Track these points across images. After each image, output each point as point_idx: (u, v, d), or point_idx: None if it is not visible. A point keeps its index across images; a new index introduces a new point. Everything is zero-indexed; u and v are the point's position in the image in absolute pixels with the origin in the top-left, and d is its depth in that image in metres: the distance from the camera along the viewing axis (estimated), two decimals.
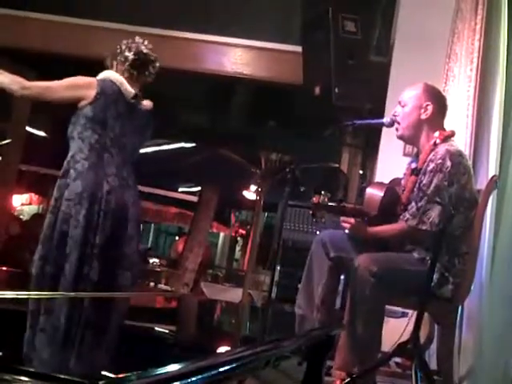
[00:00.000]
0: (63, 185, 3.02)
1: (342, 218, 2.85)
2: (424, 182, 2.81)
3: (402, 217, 2.88)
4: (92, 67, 3.18)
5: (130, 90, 3.18)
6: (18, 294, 1.82)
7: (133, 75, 3.23)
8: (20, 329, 1.38)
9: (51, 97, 3.10)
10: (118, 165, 3.10)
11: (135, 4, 5.39)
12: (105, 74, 3.20)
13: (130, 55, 3.21)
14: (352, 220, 2.84)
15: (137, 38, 3.29)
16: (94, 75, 3.20)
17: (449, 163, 2.77)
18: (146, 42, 3.30)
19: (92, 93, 3.07)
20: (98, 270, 2.90)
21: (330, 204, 2.76)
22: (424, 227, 2.75)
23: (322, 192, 2.75)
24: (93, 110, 3.07)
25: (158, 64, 3.31)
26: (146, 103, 3.30)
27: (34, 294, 1.91)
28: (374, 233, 2.87)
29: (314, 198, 2.75)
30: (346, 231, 2.88)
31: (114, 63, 3.27)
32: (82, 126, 3.08)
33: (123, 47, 3.24)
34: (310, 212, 2.86)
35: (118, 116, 3.12)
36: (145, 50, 3.26)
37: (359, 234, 2.88)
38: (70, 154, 3.08)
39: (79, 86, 3.11)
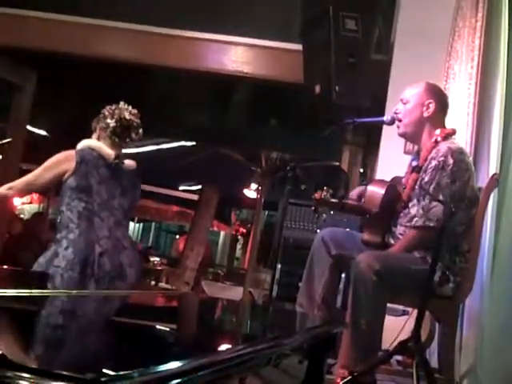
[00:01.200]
0: (53, 253, 3.05)
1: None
2: (426, 179, 2.82)
3: (403, 214, 2.87)
4: (93, 66, 3.17)
5: (109, 152, 3.20)
6: (18, 292, 1.82)
7: (114, 141, 3.26)
8: (21, 326, 1.38)
9: (37, 185, 3.21)
10: (110, 227, 3.12)
11: (136, 3, 5.38)
12: (84, 143, 3.24)
13: (112, 122, 3.23)
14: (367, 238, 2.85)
15: (121, 104, 3.30)
16: (95, 75, 3.20)
17: (451, 161, 2.78)
18: (130, 108, 3.30)
19: (72, 164, 3.12)
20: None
21: (331, 200, 2.76)
22: (432, 224, 2.75)
23: (324, 188, 2.75)
24: (75, 179, 3.12)
25: (141, 130, 3.31)
26: (129, 163, 3.30)
27: (35, 292, 1.92)
28: (397, 249, 2.87)
29: (316, 194, 2.75)
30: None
31: (97, 128, 3.30)
32: (68, 198, 3.12)
33: (106, 113, 3.27)
34: (312, 208, 2.85)
35: (102, 180, 3.16)
36: (127, 117, 3.26)
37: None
38: (61, 227, 3.11)
39: (59, 163, 3.16)
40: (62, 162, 3.16)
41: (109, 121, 3.24)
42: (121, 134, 3.25)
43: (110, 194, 3.17)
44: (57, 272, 2.97)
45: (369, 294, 2.65)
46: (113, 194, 3.18)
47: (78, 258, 2.99)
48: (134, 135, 3.30)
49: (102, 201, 3.13)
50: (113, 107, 3.28)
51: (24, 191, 3.27)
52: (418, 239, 2.85)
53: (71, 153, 3.17)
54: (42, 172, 3.16)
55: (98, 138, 3.28)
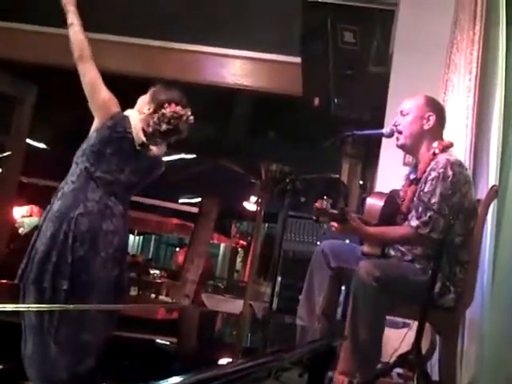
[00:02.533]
0: (50, 204, 3.06)
1: (331, 223, 2.83)
2: (425, 189, 2.82)
3: (407, 223, 2.87)
4: None
5: (141, 137, 3.08)
6: (17, 307, 1.82)
7: (154, 135, 3.13)
8: (20, 341, 1.38)
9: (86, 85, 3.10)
10: (102, 194, 3.04)
11: (134, 16, 5.41)
12: (128, 113, 3.12)
13: (164, 126, 3.10)
14: (335, 224, 2.81)
15: (187, 111, 3.15)
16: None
17: (450, 172, 2.79)
18: (190, 117, 3.16)
19: (106, 118, 3.03)
20: (68, 289, 2.88)
21: (332, 211, 2.75)
22: (435, 236, 2.75)
23: (325, 197, 2.75)
24: (97, 139, 3.03)
25: (184, 135, 3.19)
26: (156, 150, 3.19)
27: (33, 307, 1.91)
28: (374, 233, 2.85)
29: (317, 203, 2.74)
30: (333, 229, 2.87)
31: (147, 109, 3.14)
32: (83, 151, 3.06)
33: (167, 113, 3.10)
34: (313, 217, 2.83)
35: (118, 153, 3.06)
36: (181, 127, 3.13)
37: (351, 231, 2.86)
38: (66, 177, 3.10)
39: (110, 103, 3.07)
40: (113, 103, 3.06)
41: (164, 125, 3.09)
42: (165, 135, 3.14)
43: (119, 167, 3.07)
44: (43, 222, 3.00)
45: (369, 300, 2.65)
46: (122, 169, 3.08)
47: (60, 212, 2.96)
48: (175, 137, 3.19)
49: (108, 170, 3.04)
50: (180, 111, 3.12)
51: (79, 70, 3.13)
52: (413, 241, 2.85)
53: (115, 111, 3.05)
54: (94, 85, 3.07)
55: (142, 120, 3.11)
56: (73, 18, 3.15)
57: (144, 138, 3.09)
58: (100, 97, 3.05)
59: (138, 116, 3.12)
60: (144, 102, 3.17)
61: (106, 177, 3.04)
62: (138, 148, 3.09)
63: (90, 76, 3.09)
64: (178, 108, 3.11)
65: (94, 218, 2.99)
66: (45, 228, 3.00)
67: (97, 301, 2.92)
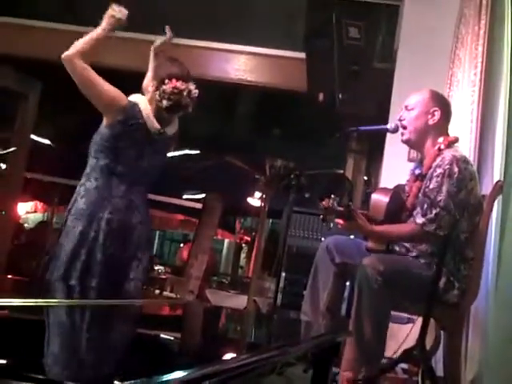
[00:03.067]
0: (73, 200, 3.03)
1: (336, 220, 2.82)
2: (431, 186, 2.81)
3: (412, 219, 2.87)
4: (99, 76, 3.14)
5: (155, 125, 3.06)
6: (24, 302, 1.82)
7: (160, 109, 3.08)
8: (25, 336, 1.38)
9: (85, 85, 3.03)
10: (126, 188, 3.05)
11: (139, 12, 5.40)
12: (136, 100, 3.09)
13: (166, 103, 3.05)
14: (341, 221, 2.80)
15: (191, 85, 3.10)
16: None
17: (456, 169, 2.78)
18: (194, 90, 3.10)
19: (118, 112, 3.01)
20: (96, 287, 2.92)
21: (339, 209, 2.74)
22: (441, 233, 2.74)
23: (332, 196, 2.74)
24: (111, 132, 3.01)
25: (190, 110, 3.14)
26: (169, 130, 3.17)
27: (40, 302, 1.92)
28: (380, 231, 2.85)
29: (324, 202, 2.73)
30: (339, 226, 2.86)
31: (152, 89, 3.10)
32: (99, 146, 3.03)
33: (168, 89, 3.05)
34: (321, 216, 2.83)
35: (135, 143, 3.05)
36: (184, 102, 3.08)
37: (357, 229, 2.86)
38: (86, 171, 3.07)
39: (120, 95, 3.04)
40: (120, 98, 3.02)
41: (164, 102, 3.04)
42: (170, 111, 3.09)
43: (140, 154, 3.07)
44: (72, 221, 2.97)
45: (373, 295, 2.64)
46: (142, 155, 3.07)
47: (88, 209, 2.96)
48: (181, 112, 3.14)
49: (128, 162, 3.04)
50: (181, 87, 3.05)
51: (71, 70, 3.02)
52: (418, 238, 2.84)
53: (123, 103, 3.01)
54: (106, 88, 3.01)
55: (150, 100, 3.09)
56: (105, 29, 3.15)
57: (158, 126, 3.06)
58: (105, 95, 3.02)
59: (145, 100, 3.09)
60: (148, 80, 3.16)
61: (127, 170, 3.03)
62: (153, 136, 3.07)
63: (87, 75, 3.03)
64: (179, 83, 3.05)
65: (122, 215, 3.01)
66: (71, 225, 2.97)
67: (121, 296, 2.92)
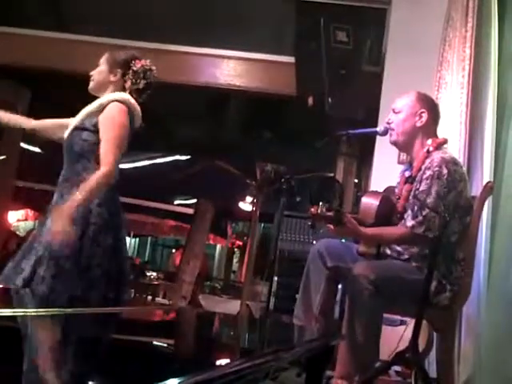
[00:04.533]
0: (86, 209, 2.81)
1: (327, 225, 2.82)
2: (421, 189, 2.82)
3: (399, 225, 2.87)
4: (86, 83, 3.13)
5: (140, 116, 3.01)
6: (14, 312, 1.82)
7: (133, 96, 3.00)
8: (17, 347, 1.38)
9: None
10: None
11: (127, 18, 5.40)
12: (125, 98, 2.95)
13: (142, 83, 3.00)
14: (331, 226, 2.79)
15: (151, 65, 3.06)
16: (88, 92, 3.08)
17: (445, 171, 2.79)
18: (153, 68, 3.06)
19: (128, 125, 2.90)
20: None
21: (328, 214, 2.74)
22: (431, 235, 2.75)
23: (320, 203, 2.74)
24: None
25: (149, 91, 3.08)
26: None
27: (30, 312, 1.91)
28: (370, 234, 2.84)
29: (313, 209, 2.73)
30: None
31: (128, 82, 3.01)
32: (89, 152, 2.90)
33: (139, 69, 3.01)
34: (309, 223, 2.83)
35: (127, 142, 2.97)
36: (152, 80, 3.05)
37: (347, 234, 2.86)
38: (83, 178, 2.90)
39: (125, 129, 2.90)
40: (126, 128, 2.89)
41: (141, 82, 2.99)
42: (143, 92, 3.03)
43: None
44: (95, 230, 2.82)
45: (365, 303, 2.64)
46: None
47: (110, 216, 2.85)
48: (145, 97, 3.07)
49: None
50: (145, 64, 3.03)
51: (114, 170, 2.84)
52: (409, 241, 2.85)
53: (125, 110, 2.88)
54: (119, 153, 2.85)
55: (122, 90, 3.00)
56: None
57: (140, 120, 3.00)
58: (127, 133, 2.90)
59: (131, 98, 2.97)
60: (105, 73, 3.03)
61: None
62: (139, 127, 3.01)
63: (119, 153, 2.86)
64: (144, 61, 3.03)
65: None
66: (94, 233, 2.85)
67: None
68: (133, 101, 2.96)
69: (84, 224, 2.80)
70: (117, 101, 2.91)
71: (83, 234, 2.78)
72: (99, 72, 3.06)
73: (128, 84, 2.99)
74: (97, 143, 2.86)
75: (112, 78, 3.00)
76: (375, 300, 2.64)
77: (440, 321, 2.87)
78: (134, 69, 2.99)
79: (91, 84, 3.08)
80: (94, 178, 2.74)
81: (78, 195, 2.70)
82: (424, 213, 2.77)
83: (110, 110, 2.89)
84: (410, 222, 2.80)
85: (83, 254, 2.77)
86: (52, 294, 2.70)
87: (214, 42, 5.22)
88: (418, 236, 2.77)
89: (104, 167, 2.76)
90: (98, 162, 2.82)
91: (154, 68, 3.05)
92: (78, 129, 2.96)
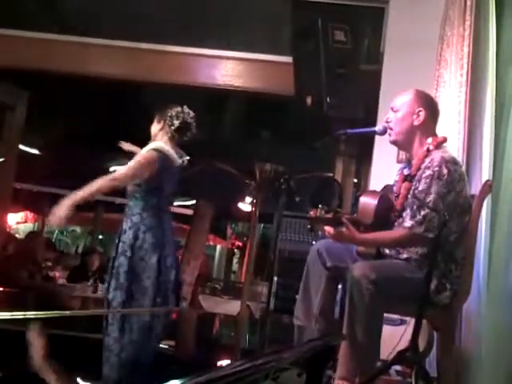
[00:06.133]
0: (132, 235, 3.59)
1: (324, 228, 2.82)
2: (420, 188, 2.81)
3: (397, 223, 2.87)
4: (84, 84, 3.14)
5: (177, 158, 3.78)
6: (12, 315, 1.81)
7: (174, 137, 3.80)
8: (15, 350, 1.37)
9: (123, 184, 3.66)
10: (168, 216, 3.77)
11: (125, 20, 5.40)
12: (159, 147, 3.70)
13: (177, 123, 3.79)
14: (330, 229, 2.79)
15: (185, 108, 3.84)
16: (86, 93, 3.16)
17: (445, 170, 2.78)
18: (190, 112, 3.85)
19: (154, 168, 3.63)
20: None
21: (326, 216, 2.73)
22: (430, 235, 2.74)
23: (320, 206, 2.73)
24: (153, 180, 3.64)
25: (195, 130, 3.88)
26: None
27: (30, 315, 1.91)
28: (368, 239, 2.84)
29: (312, 212, 2.73)
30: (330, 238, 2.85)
31: (162, 130, 3.81)
32: (144, 191, 3.65)
33: (173, 113, 3.81)
34: (308, 226, 2.83)
35: (170, 179, 3.75)
36: (189, 120, 3.83)
37: (345, 240, 2.85)
38: (135, 211, 3.65)
39: (144, 168, 3.63)
40: (147, 167, 3.63)
41: (175, 121, 3.78)
42: (181, 134, 3.81)
43: (171, 188, 3.79)
44: (142, 254, 3.57)
45: (365, 303, 2.64)
46: (172, 188, 3.81)
47: (156, 242, 3.58)
48: (189, 134, 3.87)
49: (167, 195, 3.75)
50: (178, 110, 3.83)
51: (123, 185, 3.67)
52: (408, 242, 2.84)
53: (153, 157, 3.65)
54: (131, 175, 3.63)
55: (165, 141, 3.79)
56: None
57: (178, 159, 3.79)
58: (147, 171, 3.63)
59: (164, 144, 3.74)
60: (156, 128, 3.84)
61: (167, 200, 3.82)
62: (179, 166, 3.81)
63: (131, 175, 3.64)
64: (180, 109, 3.83)
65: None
66: (141, 255, 3.63)
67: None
68: (167, 147, 3.75)
69: (132, 246, 3.56)
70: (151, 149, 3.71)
71: (132, 255, 3.55)
72: (153, 127, 3.92)
73: (167, 130, 3.82)
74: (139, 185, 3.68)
75: (159, 131, 3.84)
76: (375, 300, 2.64)
77: (440, 320, 2.87)
78: (170, 114, 3.81)
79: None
80: (97, 181, 3.46)
81: (80, 191, 3.41)
82: (423, 212, 2.76)
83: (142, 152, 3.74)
84: (408, 222, 2.79)
85: (134, 270, 3.53)
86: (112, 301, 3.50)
87: (213, 43, 5.21)
88: (417, 236, 2.76)
89: (111, 176, 3.57)
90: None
91: (188, 112, 3.85)
92: None
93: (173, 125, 3.79)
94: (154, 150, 3.71)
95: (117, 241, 3.67)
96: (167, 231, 3.72)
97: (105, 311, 3.02)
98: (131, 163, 3.64)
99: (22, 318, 1.78)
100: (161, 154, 3.70)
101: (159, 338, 2.04)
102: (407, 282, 2.74)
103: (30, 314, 1.91)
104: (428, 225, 2.75)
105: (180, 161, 3.83)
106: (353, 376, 2.67)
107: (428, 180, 2.79)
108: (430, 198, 2.76)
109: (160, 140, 3.80)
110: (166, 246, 3.65)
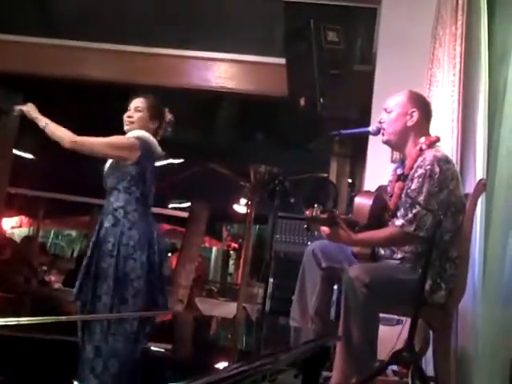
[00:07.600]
0: (117, 232, 3.39)
1: (321, 228, 2.83)
2: (412, 187, 2.82)
3: (391, 223, 2.88)
4: (78, 88, 3.14)
5: (160, 151, 3.64)
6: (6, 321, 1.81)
7: (157, 133, 3.67)
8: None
9: (93, 152, 3.46)
10: (150, 210, 3.58)
11: (117, 22, 5.39)
12: (143, 136, 3.55)
13: (170, 129, 3.75)
14: (326, 229, 2.80)
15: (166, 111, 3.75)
16: (80, 97, 3.18)
17: (437, 169, 2.78)
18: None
19: (136, 154, 3.45)
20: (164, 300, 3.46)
21: (322, 216, 2.73)
22: (421, 234, 2.74)
23: (315, 205, 2.73)
24: (136, 169, 3.46)
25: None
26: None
27: (25, 320, 1.90)
28: (362, 239, 2.84)
29: (308, 212, 2.73)
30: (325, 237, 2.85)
31: (152, 123, 3.65)
32: (127, 182, 3.46)
33: (168, 119, 3.74)
34: (305, 226, 2.84)
35: (151, 172, 3.56)
36: (172, 119, 3.76)
37: (341, 241, 2.85)
38: (118, 205, 3.45)
39: (123, 148, 3.47)
40: (125, 148, 3.46)
41: (169, 129, 3.74)
42: (160, 132, 3.69)
43: (153, 181, 3.59)
44: (128, 251, 3.37)
45: (360, 306, 2.64)
46: (154, 182, 3.60)
47: (143, 238, 3.40)
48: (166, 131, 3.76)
49: (149, 190, 3.56)
50: (171, 115, 3.75)
51: (82, 151, 3.46)
52: (399, 241, 2.84)
53: (135, 143, 3.47)
54: (106, 147, 3.45)
55: (152, 133, 3.62)
56: (42, 120, 3.48)
57: (161, 150, 3.63)
58: (122, 153, 3.46)
59: (148, 134, 3.58)
60: (146, 119, 3.62)
61: (150, 195, 3.57)
62: (159, 160, 3.67)
63: (97, 145, 3.45)
64: (170, 114, 3.75)
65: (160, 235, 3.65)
66: (127, 253, 3.39)
67: None
68: (152, 139, 3.59)
69: (117, 244, 3.35)
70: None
71: (118, 253, 3.33)
72: (138, 116, 3.65)
73: (161, 130, 3.72)
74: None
75: (151, 126, 3.64)
76: (370, 302, 2.64)
77: (436, 319, 2.87)
78: (167, 120, 3.74)
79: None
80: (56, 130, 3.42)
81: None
82: (414, 211, 2.76)
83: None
84: (399, 221, 2.80)
85: (119, 270, 3.32)
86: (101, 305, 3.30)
87: (205, 45, 5.21)
88: (408, 235, 2.77)
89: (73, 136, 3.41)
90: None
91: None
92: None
93: (167, 131, 3.74)
94: (137, 138, 3.56)
95: (93, 239, 3.43)
96: (153, 227, 3.55)
97: (103, 316, 3.00)
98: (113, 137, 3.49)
99: (19, 324, 1.77)
100: (144, 143, 3.55)
101: (155, 340, 2.04)
102: (401, 283, 2.74)
103: (24, 320, 1.91)
104: (419, 223, 2.75)
105: (160, 155, 3.70)
106: (349, 378, 2.67)
107: (420, 179, 2.79)
108: (422, 196, 2.77)
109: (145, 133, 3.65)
110: (153, 242, 3.48)
